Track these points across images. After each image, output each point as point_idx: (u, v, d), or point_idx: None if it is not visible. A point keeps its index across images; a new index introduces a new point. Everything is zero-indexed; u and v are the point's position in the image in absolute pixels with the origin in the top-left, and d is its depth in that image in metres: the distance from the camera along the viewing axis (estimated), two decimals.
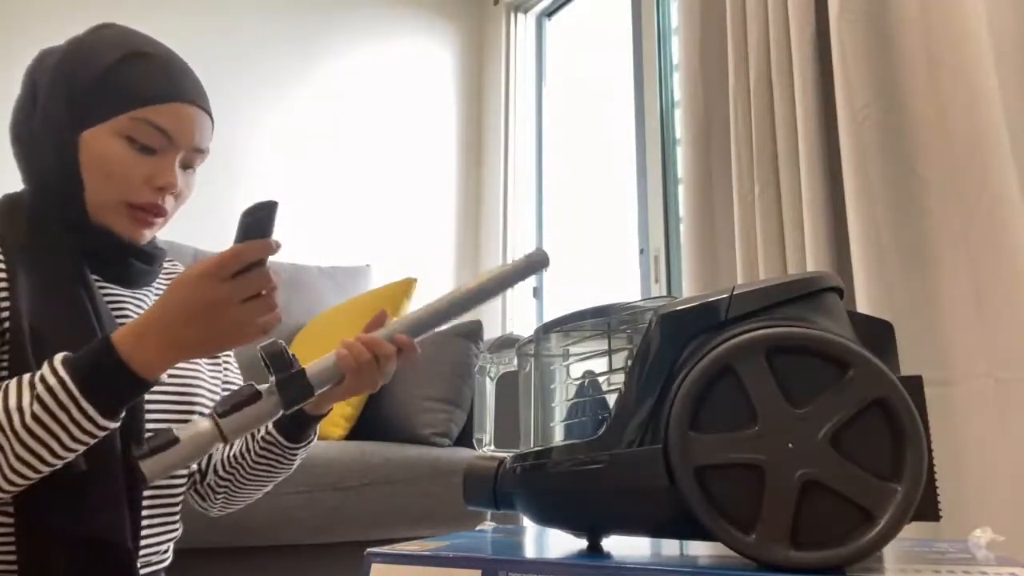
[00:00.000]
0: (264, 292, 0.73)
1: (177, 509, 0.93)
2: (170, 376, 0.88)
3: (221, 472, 0.97)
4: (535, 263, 0.83)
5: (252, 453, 0.95)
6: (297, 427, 0.94)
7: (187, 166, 0.90)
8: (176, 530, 0.93)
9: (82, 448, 0.72)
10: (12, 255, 0.82)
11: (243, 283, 0.71)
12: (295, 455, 0.96)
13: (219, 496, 0.99)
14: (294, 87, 2.62)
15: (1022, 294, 1.18)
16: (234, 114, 2.47)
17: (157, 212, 0.87)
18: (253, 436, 0.96)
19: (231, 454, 0.97)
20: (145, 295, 0.93)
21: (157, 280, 0.96)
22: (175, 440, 0.70)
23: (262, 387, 0.74)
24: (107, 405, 0.70)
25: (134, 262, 0.90)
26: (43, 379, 0.69)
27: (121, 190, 0.85)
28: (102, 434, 0.71)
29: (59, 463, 0.71)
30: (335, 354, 0.81)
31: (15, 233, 0.84)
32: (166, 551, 0.92)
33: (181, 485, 0.93)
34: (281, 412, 0.75)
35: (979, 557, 0.57)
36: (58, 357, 0.71)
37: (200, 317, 0.70)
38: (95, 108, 0.83)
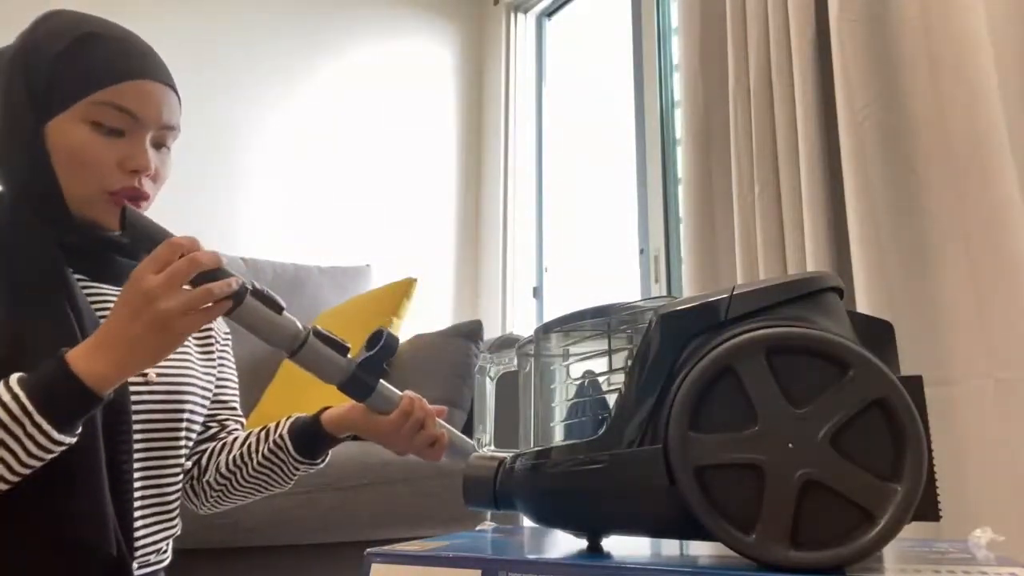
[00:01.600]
0: (198, 289, 0.72)
1: (174, 507, 0.92)
2: (160, 376, 0.88)
3: (223, 470, 0.97)
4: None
5: (259, 455, 0.95)
6: (311, 440, 0.94)
7: (160, 145, 0.88)
8: (174, 528, 0.93)
9: (38, 463, 0.71)
10: None
11: (172, 270, 0.71)
12: (297, 470, 0.97)
13: (214, 495, 0.99)
14: (294, 87, 2.62)
15: (1022, 294, 1.18)
16: (234, 114, 2.48)
17: (137, 195, 0.85)
18: (267, 438, 0.96)
19: (236, 454, 0.97)
20: None
21: None
22: (280, 308, 0.78)
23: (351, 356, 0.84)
24: (61, 419, 0.70)
25: (117, 257, 0.89)
26: None
27: (97, 180, 0.83)
28: (58, 449, 0.71)
29: (16, 479, 0.71)
30: (404, 393, 0.91)
31: None
32: (164, 550, 0.92)
33: (176, 483, 0.92)
34: (338, 381, 0.83)
35: (979, 557, 0.57)
36: (14, 377, 0.71)
37: (139, 313, 0.70)
38: (55, 97, 0.82)
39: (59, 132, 0.82)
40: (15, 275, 0.81)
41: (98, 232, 0.86)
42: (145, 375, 0.87)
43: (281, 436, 0.95)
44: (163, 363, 0.89)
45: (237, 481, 0.97)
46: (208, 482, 0.98)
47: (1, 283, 0.80)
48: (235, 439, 1.00)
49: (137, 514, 0.84)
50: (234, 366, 1.06)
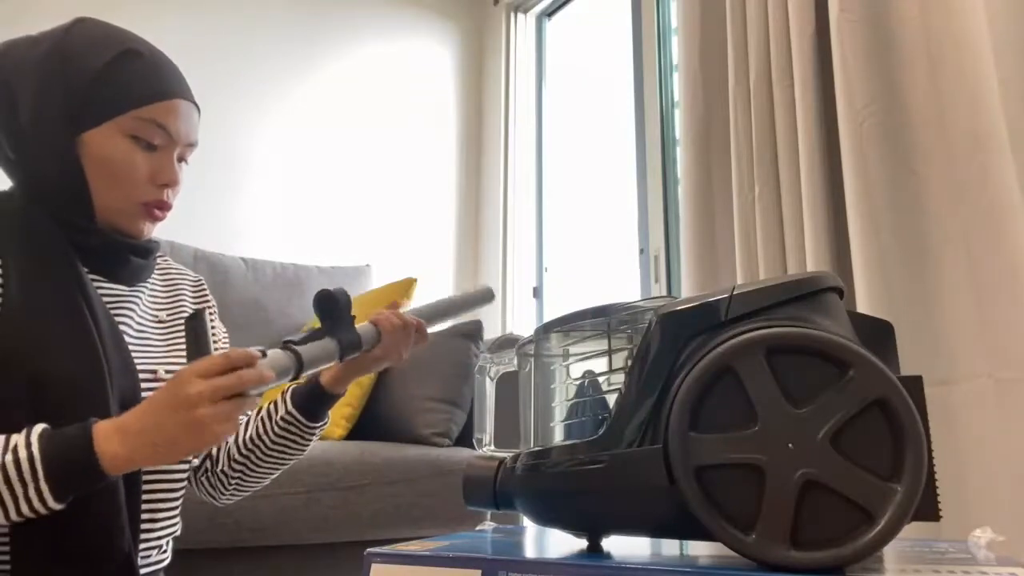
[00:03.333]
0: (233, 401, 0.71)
1: (176, 506, 0.93)
2: (170, 374, 0.88)
3: (236, 456, 0.99)
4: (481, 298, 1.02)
5: (271, 433, 0.97)
6: (316, 404, 0.97)
7: (181, 159, 0.91)
8: (175, 527, 0.93)
9: (22, 520, 0.71)
10: (7, 256, 0.81)
11: (218, 382, 0.70)
12: (312, 435, 0.99)
13: (232, 482, 1.00)
14: (294, 87, 2.62)
15: (1022, 294, 1.18)
16: (235, 114, 2.48)
17: (164, 206, 0.90)
18: (271, 417, 0.98)
19: (246, 437, 0.98)
20: (141, 291, 0.93)
21: (152, 275, 0.96)
22: (264, 352, 0.76)
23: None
24: (63, 490, 0.70)
25: (132, 258, 0.90)
26: (15, 449, 0.69)
27: (131, 191, 0.86)
28: (46, 513, 0.71)
29: None
30: (372, 320, 0.91)
31: (9, 233, 0.83)
32: (165, 549, 0.92)
33: (182, 481, 0.93)
34: (337, 358, 0.83)
35: (979, 557, 0.57)
36: (37, 429, 0.71)
37: (169, 411, 0.70)
38: (94, 108, 0.83)
39: (97, 143, 0.84)
40: (30, 271, 0.81)
41: (118, 238, 0.88)
42: (154, 372, 0.88)
43: (289, 412, 0.97)
44: (173, 362, 0.91)
45: (253, 463, 0.98)
46: (223, 471, 1.00)
47: (14, 278, 0.80)
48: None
49: (144, 515, 0.85)
50: None
